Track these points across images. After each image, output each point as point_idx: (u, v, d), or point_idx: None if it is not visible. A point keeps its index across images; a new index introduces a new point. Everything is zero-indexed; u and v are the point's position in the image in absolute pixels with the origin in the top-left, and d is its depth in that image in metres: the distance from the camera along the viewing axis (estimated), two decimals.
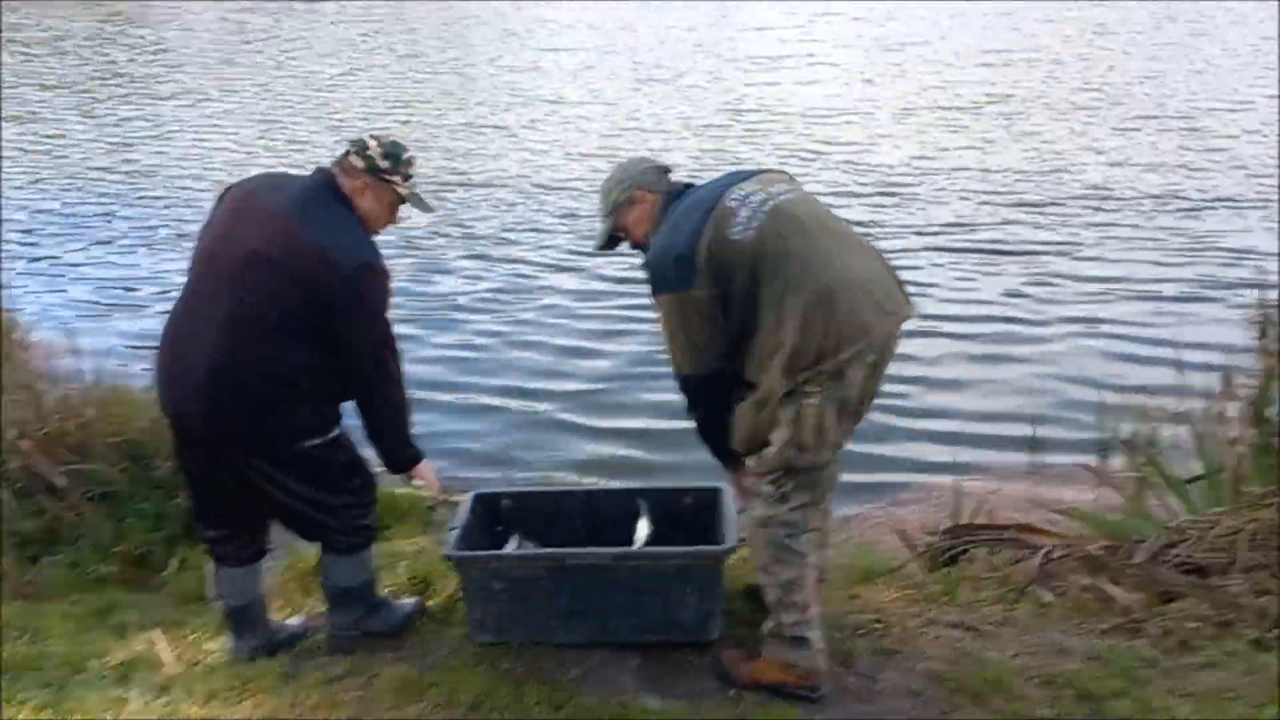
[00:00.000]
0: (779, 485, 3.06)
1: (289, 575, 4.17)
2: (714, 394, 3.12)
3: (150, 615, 4.17)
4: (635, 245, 3.30)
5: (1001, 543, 4.01)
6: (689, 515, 3.80)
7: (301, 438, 3.22)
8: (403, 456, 3.42)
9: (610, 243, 3.36)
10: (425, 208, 3.36)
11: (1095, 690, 3.15)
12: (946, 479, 5.04)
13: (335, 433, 3.32)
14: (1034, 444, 5.73)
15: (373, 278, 3.12)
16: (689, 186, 3.25)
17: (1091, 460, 4.86)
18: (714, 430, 3.20)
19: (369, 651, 3.55)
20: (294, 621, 3.77)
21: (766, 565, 3.14)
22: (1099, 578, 3.72)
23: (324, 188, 3.19)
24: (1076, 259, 9.25)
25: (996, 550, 4.00)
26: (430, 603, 3.82)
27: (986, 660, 3.34)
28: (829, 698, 3.20)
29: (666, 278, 3.02)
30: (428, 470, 3.51)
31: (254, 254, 3.07)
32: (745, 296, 2.97)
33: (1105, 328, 7.70)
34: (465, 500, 3.77)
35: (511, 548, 3.68)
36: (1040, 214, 10.62)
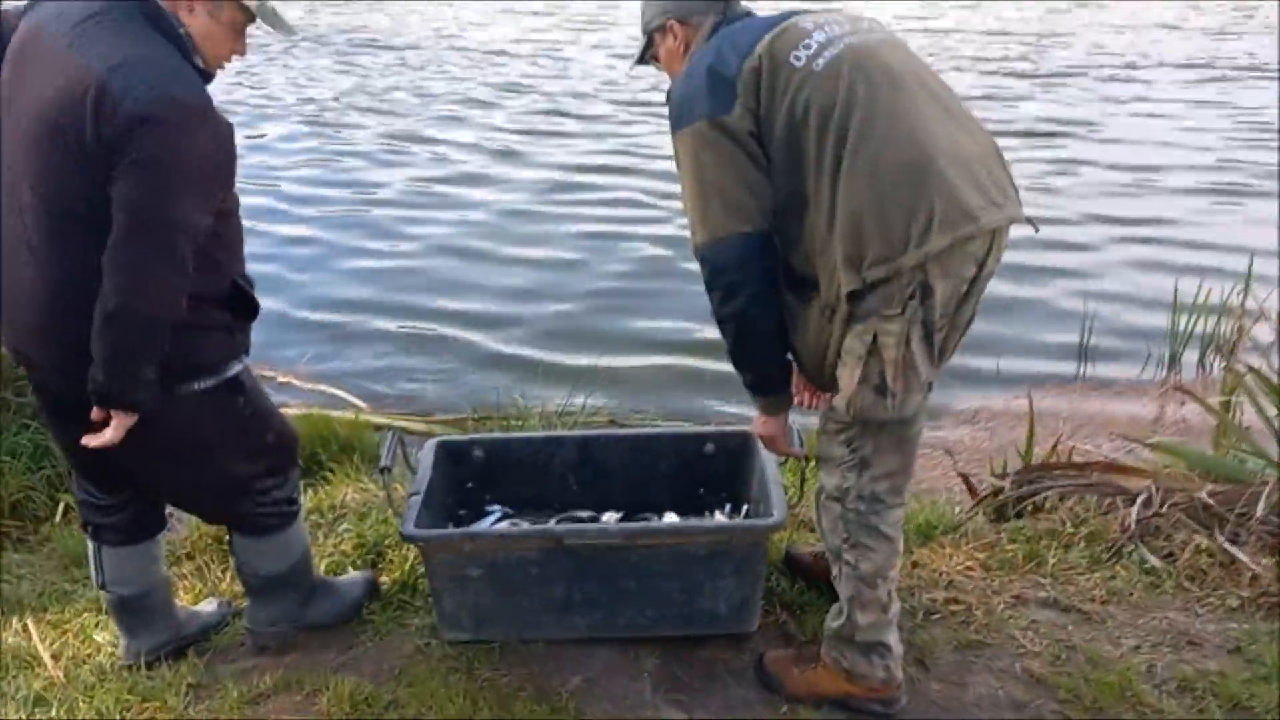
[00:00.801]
0: (855, 446, 2.25)
1: (199, 535, 3.32)
2: (762, 269, 2.18)
3: (28, 586, 3.32)
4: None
5: (1086, 488, 3.27)
6: (712, 467, 3.00)
7: (179, 379, 2.31)
8: (122, 389, 2.16)
9: (644, 58, 2.48)
10: (283, 28, 2.31)
11: (1247, 700, 2.46)
12: (1009, 406, 4.28)
13: (232, 370, 2.43)
14: (1094, 357, 4.98)
15: (177, 118, 2.08)
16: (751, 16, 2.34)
17: (1160, 374, 4.10)
18: (761, 334, 2.25)
19: (307, 653, 2.75)
20: (208, 607, 2.94)
21: (839, 551, 2.36)
22: (1214, 535, 3.01)
23: (126, 5, 2.16)
24: (1104, 142, 8.35)
25: (1080, 497, 3.26)
26: (385, 578, 3.01)
27: (1100, 656, 2.63)
28: (907, 711, 2.47)
29: (694, 104, 2.14)
30: (118, 428, 2.20)
31: (40, 119, 2.11)
32: (796, 153, 2.12)
33: (1147, 229, 6.82)
34: (426, 451, 2.92)
35: (491, 520, 2.87)
36: (1055, 87, 9.66)
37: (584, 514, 2.97)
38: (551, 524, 2.87)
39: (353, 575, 2.95)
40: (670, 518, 2.84)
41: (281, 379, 4.73)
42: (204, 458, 2.46)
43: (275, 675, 2.64)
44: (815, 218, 2.12)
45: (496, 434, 3.32)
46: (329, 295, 6.03)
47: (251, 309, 2.44)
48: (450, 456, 2.98)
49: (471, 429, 4.08)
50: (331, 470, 3.71)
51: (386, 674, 2.64)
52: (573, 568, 2.61)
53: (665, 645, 2.70)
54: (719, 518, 2.91)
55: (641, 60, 2.47)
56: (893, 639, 2.42)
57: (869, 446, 2.25)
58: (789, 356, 2.33)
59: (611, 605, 2.67)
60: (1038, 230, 2.33)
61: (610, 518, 2.87)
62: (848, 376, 2.17)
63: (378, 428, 4.19)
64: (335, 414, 4.24)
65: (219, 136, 2.17)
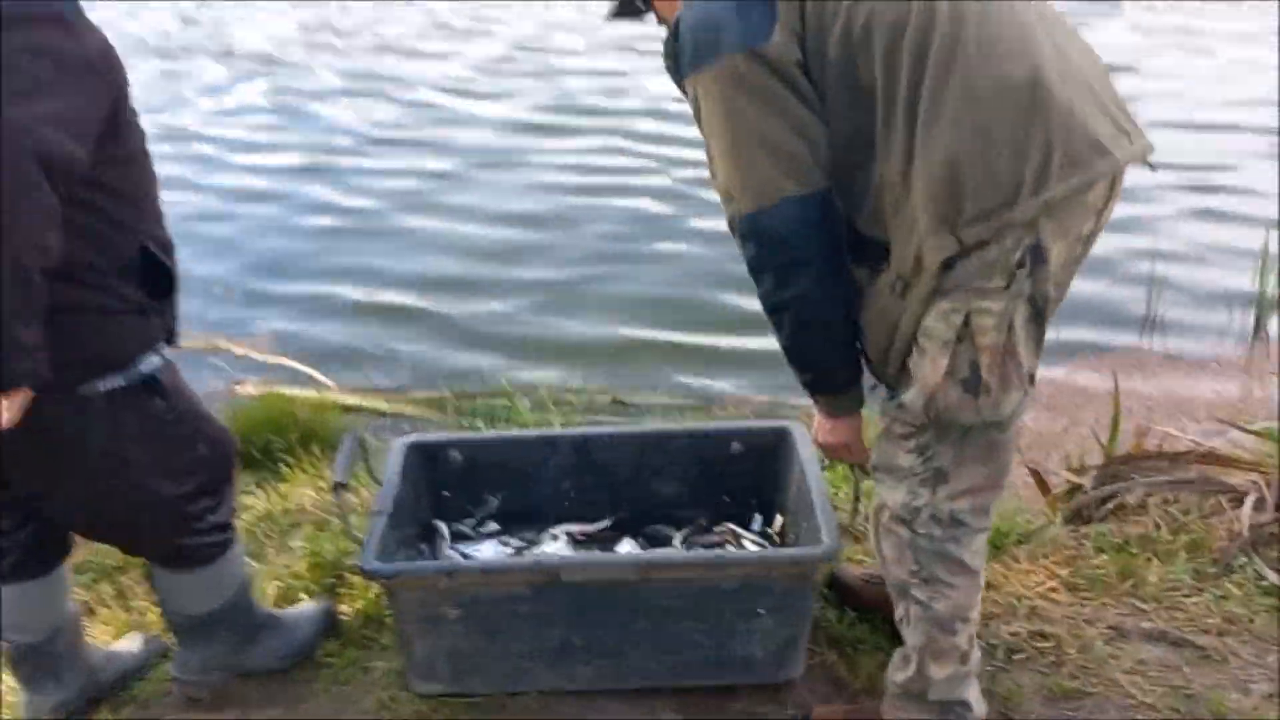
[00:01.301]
0: (930, 454, 1.73)
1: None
2: (826, 239, 1.66)
3: None
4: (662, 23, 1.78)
5: (1181, 485, 2.74)
6: (739, 471, 2.47)
7: (79, 376, 1.79)
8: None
9: (628, 8, 1.84)
10: None
11: None
12: (1073, 381, 3.72)
13: (147, 365, 1.89)
14: (1163, 326, 4.39)
15: (18, 13, 1.57)
16: None
17: (1241, 345, 3.56)
18: (828, 322, 1.72)
19: (247, 708, 2.23)
20: (129, 646, 2.41)
21: (906, 586, 1.84)
22: None
23: None
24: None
25: (1174, 495, 2.73)
26: (346, 608, 2.48)
27: (1227, 708, 2.12)
28: None
29: (719, 33, 1.59)
30: (10, 408, 1.63)
31: None
32: (856, 85, 1.57)
33: (1204, 175, 6.00)
34: (394, 454, 2.39)
35: (477, 547, 2.35)
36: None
37: (579, 529, 2.45)
38: (546, 549, 2.34)
39: (305, 607, 2.42)
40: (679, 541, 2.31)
41: (238, 351, 4.17)
42: (116, 476, 1.92)
43: None
44: (886, 166, 1.58)
45: (478, 434, 2.78)
46: (289, 256, 5.35)
47: (168, 283, 1.89)
48: (423, 460, 2.44)
49: (451, 413, 3.54)
50: (287, 463, 3.17)
51: None
52: (572, 607, 2.09)
53: (688, 697, 2.19)
54: (748, 546, 2.38)
55: (624, 11, 1.81)
56: (974, 695, 1.91)
57: (948, 455, 1.72)
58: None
59: (621, 651, 2.15)
60: (1155, 170, 1.78)
61: (626, 547, 2.35)
62: (928, 368, 1.63)
63: (345, 409, 3.65)
64: (297, 393, 3.70)
65: (81, 40, 1.62)
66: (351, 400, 3.73)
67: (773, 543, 2.46)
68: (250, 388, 3.80)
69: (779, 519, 2.49)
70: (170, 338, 1.96)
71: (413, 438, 2.46)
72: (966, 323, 1.59)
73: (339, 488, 2.13)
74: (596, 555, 2.08)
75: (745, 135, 1.59)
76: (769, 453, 2.46)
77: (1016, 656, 2.26)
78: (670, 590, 2.07)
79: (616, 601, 2.08)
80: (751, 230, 1.63)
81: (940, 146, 1.52)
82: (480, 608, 2.09)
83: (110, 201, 1.75)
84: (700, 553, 2.11)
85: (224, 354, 4.11)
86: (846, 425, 1.86)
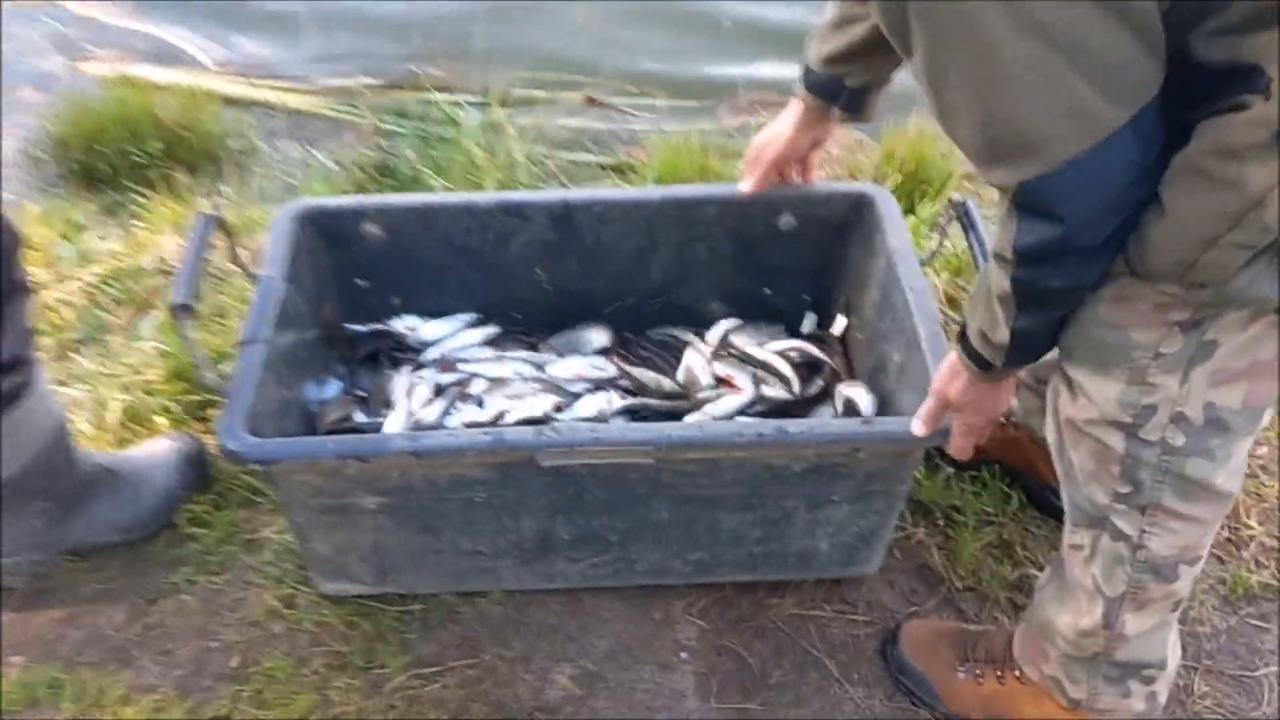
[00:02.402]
0: (1201, 329, 1.00)
1: None
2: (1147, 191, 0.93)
3: None
4: None
5: None
6: (787, 253, 1.71)
7: None
8: None
9: None
10: None
11: None
12: None
13: None
14: None
15: None
16: None
17: None
18: (1080, 297, 1.05)
19: (77, 605, 1.54)
20: None
21: (1103, 511, 1.15)
22: None
23: None
24: None
25: None
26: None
27: None
28: None
29: None
30: None
31: None
32: None
33: None
34: (276, 230, 1.57)
35: (402, 390, 1.59)
36: None
37: (575, 373, 1.70)
38: (515, 392, 1.61)
39: (157, 446, 1.66)
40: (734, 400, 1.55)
41: (78, 9, 3.07)
42: None
43: (20, 642, 1.46)
44: None
45: (406, 198, 1.86)
46: None
47: None
48: (322, 236, 1.62)
49: (368, 116, 2.58)
50: (144, 194, 2.28)
51: (217, 657, 1.46)
52: (556, 494, 1.38)
53: (717, 595, 1.55)
54: (791, 359, 1.65)
55: None
56: (1172, 640, 1.27)
57: (1234, 331, 1.00)
58: None
59: (624, 546, 1.47)
60: None
61: (600, 402, 1.61)
62: None
63: (228, 102, 2.70)
64: (161, 78, 2.72)
65: None
66: (236, 90, 2.76)
67: (829, 351, 1.74)
68: (98, 67, 2.80)
69: (840, 320, 1.75)
70: None
71: (305, 204, 1.61)
72: None
73: (181, 311, 1.32)
74: (589, 429, 1.33)
75: (1027, 41, 0.83)
76: (836, 230, 1.67)
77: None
78: (703, 477, 1.36)
79: (622, 488, 1.38)
80: (1065, 189, 0.90)
81: None
82: (413, 496, 1.37)
83: None
84: (746, 424, 1.36)
85: (59, 9, 3.04)
86: (1010, 383, 1.22)
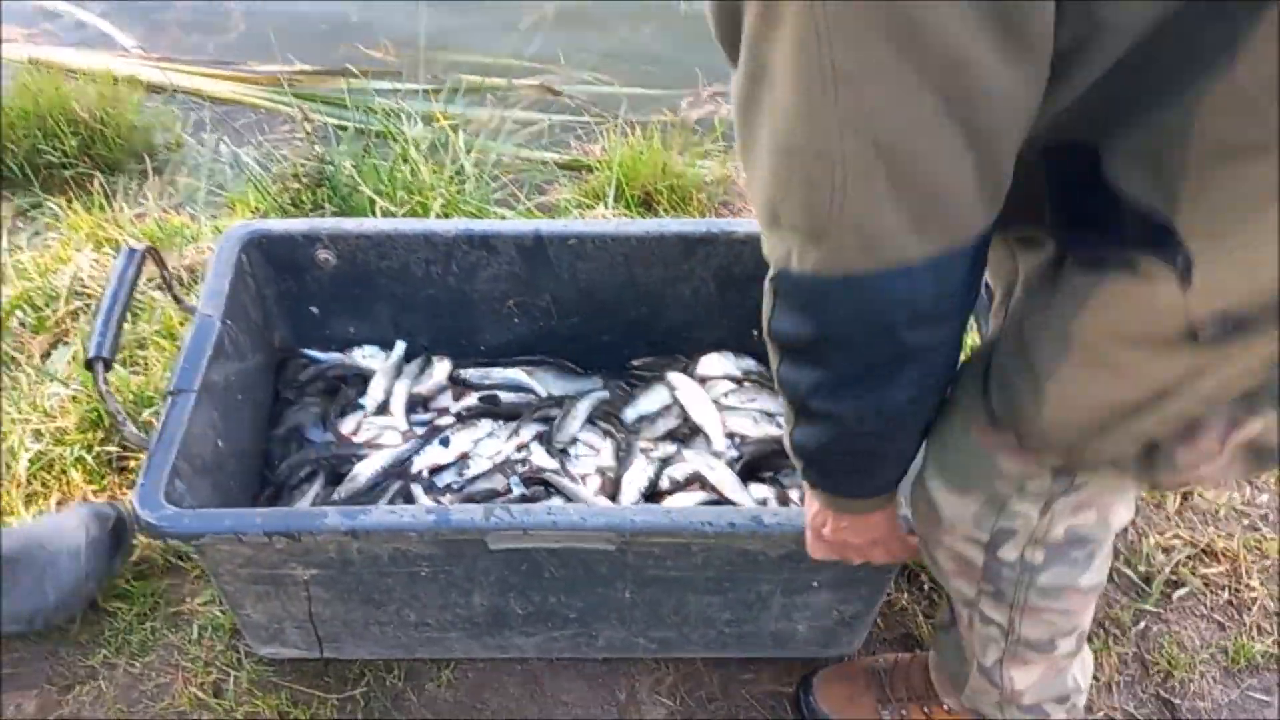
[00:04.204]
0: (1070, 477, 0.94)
1: None
2: (967, 305, 0.79)
3: None
4: None
5: None
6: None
7: None
8: None
9: None
10: None
11: None
12: None
13: None
14: None
15: None
16: None
17: None
18: (927, 416, 0.94)
19: None
20: None
21: (971, 600, 1.09)
22: None
23: None
24: None
25: None
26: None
27: None
28: None
29: None
30: None
31: None
32: None
33: None
34: (219, 257, 1.45)
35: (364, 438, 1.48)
36: None
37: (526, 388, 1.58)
38: (482, 445, 1.49)
39: (66, 518, 1.49)
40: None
41: None
42: None
43: None
44: (1238, 71, 0.64)
45: (361, 222, 1.65)
46: None
47: None
48: (271, 262, 1.48)
49: (299, 117, 2.36)
50: (58, 201, 2.09)
51: None
52: (508, 571, 1.26)
53: (685, 669, 1.45)
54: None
55: None
56: (1078, 668, 1.18)
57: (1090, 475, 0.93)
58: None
59: (585, 621, 1.36)
60: None
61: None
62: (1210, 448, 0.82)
63: (154, 89, 2.48)
64: (76, 62, 2.49)
65: None
66: (159, 76, 2.53)
67: None
68: (4, 50, 2.57)
69: None
70: None
71: (252, 229, 1.47)
72: None
73: (99, 364, 1.18)
74: (544, 510, 1.19)
75: (850, 126, 0.66)
76: None
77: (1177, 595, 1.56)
78: (669, 560, 1.25)
79: (581, 567, 1.26)
80: (830, 300, 0.76)
81: None
82: (352, 570, 1.25)
83: None
84: (717, 513, 1.23)
85: None
86: (884, 517, 1.04)
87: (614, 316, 1.61)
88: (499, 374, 1.60)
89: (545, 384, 1.60)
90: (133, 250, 1.29)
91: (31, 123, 2.24)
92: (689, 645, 1.41)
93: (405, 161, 2.10)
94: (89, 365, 1.20)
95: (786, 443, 0.93)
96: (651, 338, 1.64)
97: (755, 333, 1.64)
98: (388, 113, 2.29)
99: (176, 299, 1.38)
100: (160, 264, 1.34)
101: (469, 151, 2.19)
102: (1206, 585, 1.57)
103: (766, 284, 0.80)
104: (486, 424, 1.56)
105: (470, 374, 1.61)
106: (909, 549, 1.10)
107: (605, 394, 1.61)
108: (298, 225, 1.53)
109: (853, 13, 0.62)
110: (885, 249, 0.70)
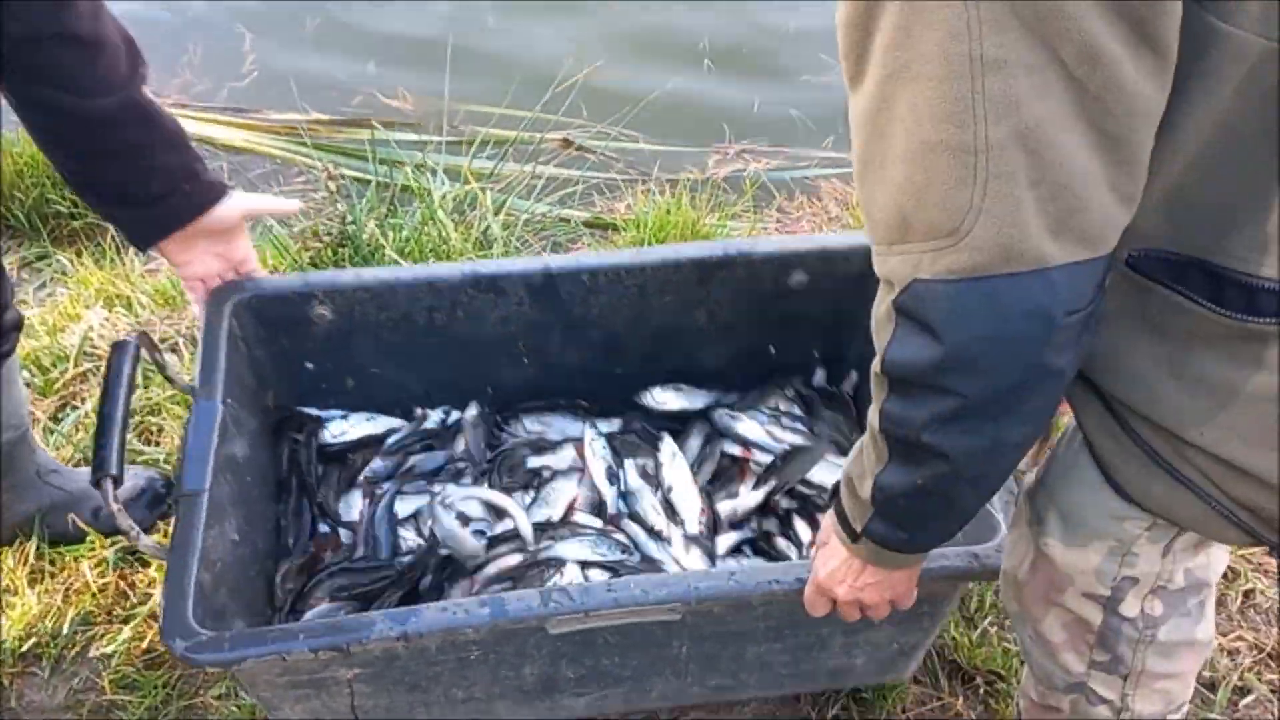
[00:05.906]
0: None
1: None
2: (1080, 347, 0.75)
3: None
4: None
5: None
6: (797, 310, 1.55)
7: None
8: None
9: None
10: None
11: None
12: None
13: None
14: None
15: None
16: None
17: None
18: (1003, 475, 0.85)
19: None
20: None
21: (1079, 681, 1.04)
22: None
23: None
24: None
25: None
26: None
27: None
28: None
29: None
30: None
31: None
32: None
33: None
34: (208, 327, 1.35)
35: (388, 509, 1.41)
36: None
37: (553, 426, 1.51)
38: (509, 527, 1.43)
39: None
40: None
41: None
42: None
43: None
44: None
45: (359, 272, 1.54)
46: None
47: None
48: (264, 324, 1.40)
49: (321, 171, 2.19)
50: (72, 245, 1.98)
51: None
52: (562, 643, 1.21)
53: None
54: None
55: None
56: None
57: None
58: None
59: (639, 678, 1.32)
60: None
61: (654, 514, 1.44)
62: None
63: None
64: None
65: None
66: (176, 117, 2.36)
67: (843, 408, 1.58)
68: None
69: (854, 374, 1.59)
70: None
71: (241, 293, 1.37)
72: None
73: (101, 481, 1.11)
74: (603, 588, 1.13)
75: (995, 114, 0.66)
76: (855, 284, 1.48)
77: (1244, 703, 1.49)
78: (729, 617, 1.20)
79: (638, 634, 1.21)
80: (961, 307, 0.71)
81: None
82: (399, 664, 1.19)
83: None
84: (784, 568, 1.15)
85: None
86: (911, 575, 1.02)
87: (627, 350, 1.53)
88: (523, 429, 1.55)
89: (560, 429, 1.55)
90: (124, 344, 1.21)
91: (40, 171, 2.11)
92: (745, 689, 1.37)
93: (432, 221, 1.98)
94: (97, 484, 1.13)
95: (865, 487, 0.86)
96: (669, 366, 1.57)
97: (772, 349, 1.59)
98: (416, 167, 2.17)
99: (170, 380, 1.30)
100: (152, 349, 1.25)
101: (497, 212, 2.07)
102: (1274, 692, 1.50)
103: (880, 312, 0.75)
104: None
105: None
106: (912, 602, 1.06)
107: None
108: (291, 282, 1.44)
109: (1002, 5, 0.63)
110: (1022, 249, 0.68)
